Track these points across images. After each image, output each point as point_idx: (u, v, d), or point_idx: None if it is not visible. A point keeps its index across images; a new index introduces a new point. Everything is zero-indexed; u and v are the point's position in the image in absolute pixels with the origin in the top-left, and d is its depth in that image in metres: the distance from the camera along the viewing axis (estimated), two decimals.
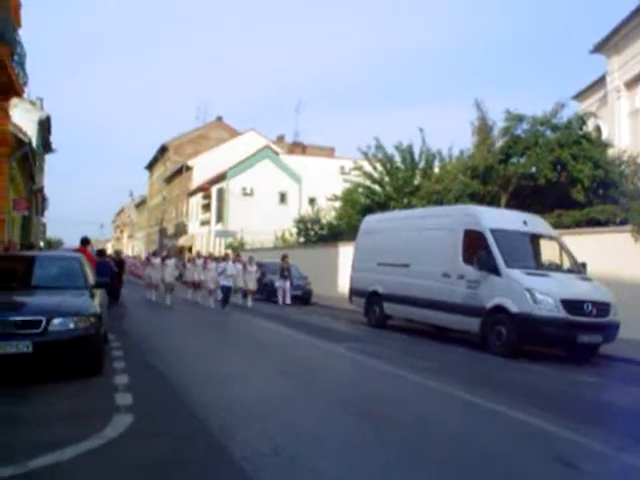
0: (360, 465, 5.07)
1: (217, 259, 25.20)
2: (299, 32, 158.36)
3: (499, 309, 12.26)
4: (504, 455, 5.64)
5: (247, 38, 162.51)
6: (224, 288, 21.25)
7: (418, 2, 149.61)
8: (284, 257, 24.66)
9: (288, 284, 24.02)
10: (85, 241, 14.82)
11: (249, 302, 22.81)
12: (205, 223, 55.79)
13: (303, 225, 36.51)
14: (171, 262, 23.80)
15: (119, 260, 22.97)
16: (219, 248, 46.59)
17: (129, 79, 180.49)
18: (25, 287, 9.02)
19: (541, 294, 11.66)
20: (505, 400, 7.73)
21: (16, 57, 15.97)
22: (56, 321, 7.53)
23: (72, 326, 7.62)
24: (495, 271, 12.53)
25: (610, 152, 20.51)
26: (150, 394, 7.31)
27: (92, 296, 8.94)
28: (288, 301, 23.76)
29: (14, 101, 25.61)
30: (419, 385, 8.74)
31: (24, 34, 19.90)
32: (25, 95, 35.95)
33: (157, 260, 23.77)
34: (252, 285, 23.44)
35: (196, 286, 24.33)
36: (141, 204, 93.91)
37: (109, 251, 34.43)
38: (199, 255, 27.87)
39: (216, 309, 21.07)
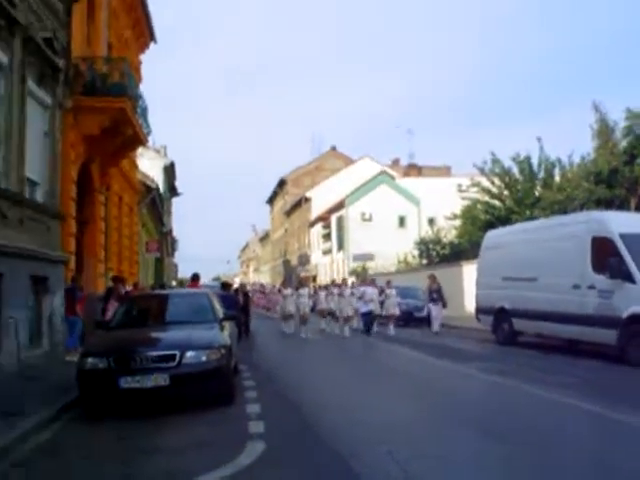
0: None
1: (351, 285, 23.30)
2: (406, 54, 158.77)
3: (637, 318, 11.60)
4: None
5: (354, 64, 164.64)
6: (364, 314, 19.85)
7: (529, 5, 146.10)
8: (432, 277, 21.29)
9: (440, 307, 20.45)
10: (195, 277, 15.56)
11: (391, 329, 20.47)
12: (327, 252, 56.48)
13: (424, 246, 36.27)
14: (304, 291, 22.26)
15: (244, 293, 22.47)
16: (342, 275, 47.00)
17: (245, 118, 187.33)
18: (159, 323, 9.57)
19: None
20: None
21: (139, 110, 17.10)
22: (189, 354, 7.89)
23: (204, 358, 7.95)
24: (629, 278, 11.89)
25: None
26: (281, 422, 7.45)
27: (222, 329, 9.30)
28: (437, 328, 20.23)
29: (139, 151, 27.36)
30: (557, 404, 8.32)
31: (145, 88, 21.25)
32: (150, 144, 38.40)
33: (288, 291, 22.37)
34: (393, 309, 21.11)
35: (331, 315, 22.16)
36: (264, 238, 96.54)
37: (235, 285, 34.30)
38: (333, 282, 25.36)
39: (355, 338, 19.28)
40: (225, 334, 9.14)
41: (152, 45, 26.55)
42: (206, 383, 7.97)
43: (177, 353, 7.82)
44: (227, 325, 9.92)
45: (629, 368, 11.40)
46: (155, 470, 5.51)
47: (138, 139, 17.86)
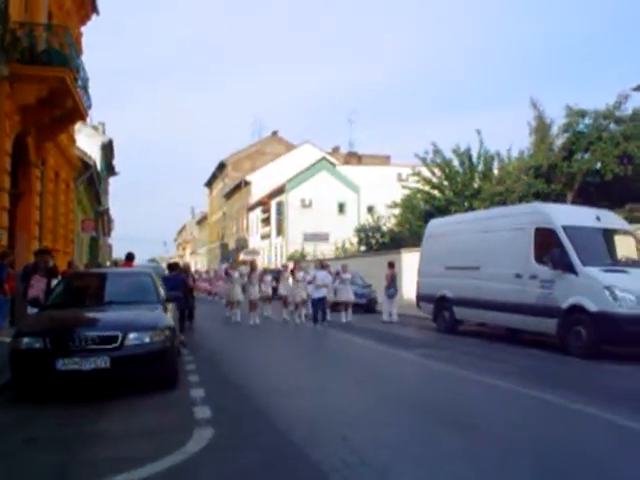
0: (456, 475, 4.87)
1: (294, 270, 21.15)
2: (347, 42, 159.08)
3: (577, 309, 11.80)
4: (607, 461, 5.36)
5: (296, 52, 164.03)
6: (315, 300, 18.18)
7: (469, 4, 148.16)
8: (391, 265, 20.05)
9: (396, 297, 19.77)
10: (130, 257, 15.04)
11: (348, 316, 19.46)
12: (265, 237, 56.22)
13: (364, 234, 36.40)
14: (256, 275, 20.23)
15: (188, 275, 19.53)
16: (280, 260, 46.81)
17: (185, 100, 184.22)
18: (100, 303, 9.12)
19: (621, 291, 11.18)
20: (595, 402, 7.42)
21: (79, 82, 16.39)
22: (132, 336, 7.56)
23: (148, 340, 7.64)
24: (570, 269, 12.08)
25: None
26: (228, 407, 7.22)
27: (165, 310, 8.99)
28: (395, 318, 19.19)
29: (78, 127, 26.42)
30: (501, 390, 8.44)
31: (85, 60, 20.44)
32: (88, 120, 37.23)
33: (236, 274, 20.25)
34: (347, 296, 20.03)
35: (283, 302, 20.62)
36: (202, 220, 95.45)
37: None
38: (285, 267, 23.47)
39: (305, 325, 18.22)
40: (169, 315, 8.83)
41: (95, 17, 25.65)
42: (149, 366, 7.68)
43: (119, 334, 7.47)
44: (170, 307, 9.62)
45: (568, 357, 11.60)
46: (98, 458, 5.20)
47: (78, 112, 17.12)
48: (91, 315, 8.54)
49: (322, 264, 19.26)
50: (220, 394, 7.94)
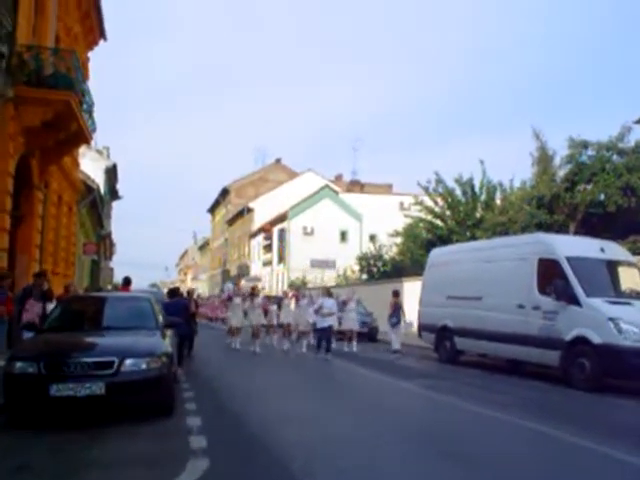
0: None
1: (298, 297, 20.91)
2: (352, 71, 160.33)
3: (580, 340, 11.68)
4: None
5: (300, 81, 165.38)
6: (321, 330, 16.84)
7: (473, 32, 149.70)
8: (396, 294, 18.98)
9: (402, 327, 18.73)
10: (127, 281, 14.91)
11: (354, 346, 18.98)
12: (267, 264, 56.12)
13: (365, 262, 36.33)
14: (258, 301, 19.44)
15: (191, 301, 18.37)
16: (281, 287, 46.65)
17: (188, 126, 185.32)
18: (97, 328, 8.99)
19: (626, 324, 11.07)
20: (596, 437, 7.28)
21: (85, 106, 16.44)
22: (128, 362, 7.42)
23: (144, 367, 7.50)
24: (574, 301, 11.97)
25: None
26: (225, 437, 7.07)
27: (163, 336, 8.86)
28: (397, 346, 18.15)
29: (82, 150, 26.48)
30: (500, 422, 8.29)
31: (91, 84, 20.58)
32: (92, 144, 37.37)
33: (238, 300, 19.41)
34: (352, 324, 19.47)
35: (285, 330, 20.02)
36: (204, 246, 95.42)
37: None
38: (285, 293, 22.73)
39: (310, 356, 17.17)
40: (167, 341, 8.70)
41: (102, 43, 25.85)
42: (146, 393, 7.50)
43: (115, 360, 7.33)
44: (169, 333, 9.49)
45: (571, 390, 11.45)
46: None
47: (82, 136, 17.13)
48: (87, 340, 8.40)
49: (329, 292, 18.27)
50: (217, 423, 7.80)
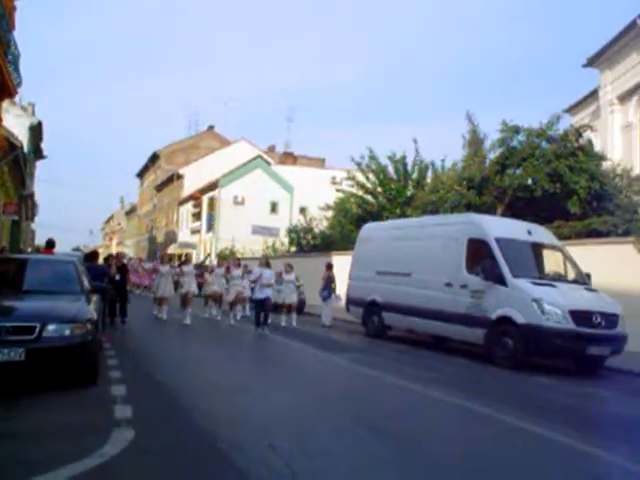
0: None
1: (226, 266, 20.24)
2: (292, 43, 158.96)
3: (505, 320, 11.94)
4: (526, 470, 5.39)
5: (239, 48, 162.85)
6: (258, 301, 15.96)
7: (412, 15, 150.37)
8: (330, 267, 19.54)
9: (332, 300, 19.29)
10: (50, 244, 14.35)
11: (293, 320, 18.44)
12: (195, 232, 55.33)
13: (295, 234, 36.19)
14: (188, 269, 18.68)
15: (121, 266, 17.18)
16: (210, 256, 46.12)
17: (121, 86, 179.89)
18: (18, 292, 8.58)
19: (549, 305, 11.36)
20: (516, 412, 7.50)
21: (10, 57, 15.62)
22: (51, 327, 7.11)
23: (68, 333, 7.20)
24: (501, 281, 12.21)
25: (604, 165, 20.44)
26: (152, 407, 6.90)
27: (89, 301, 8.55)
28: (327, 322, 18.81)
29: (5, 106, 25.23)
30: (425, 397, 8.43)
31: (19, 37, 19.58)
32: (17, 100, 35.71)
33: (166, 267, 18.64)
34: (293, 298, 18.85)
35: (217, 300, 19.54)
36: (131, 212, 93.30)
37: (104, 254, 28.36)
38: (218, 262, 22.42)
39: (245, 328, 16.68)
40: (92, 307, 8.38)
41: None
42: (68, 360, 7.23)
43: (37, 325, 7.00)
44: (94, 298, 9.17)
45: (494, 368, 11.72)
46: (7, 459, 4.80)
47: (6, 88, 16.33)
48: (7, 304, 7.94)
49: (267, 262, 17.04)
50: (142, 392, 7.61)
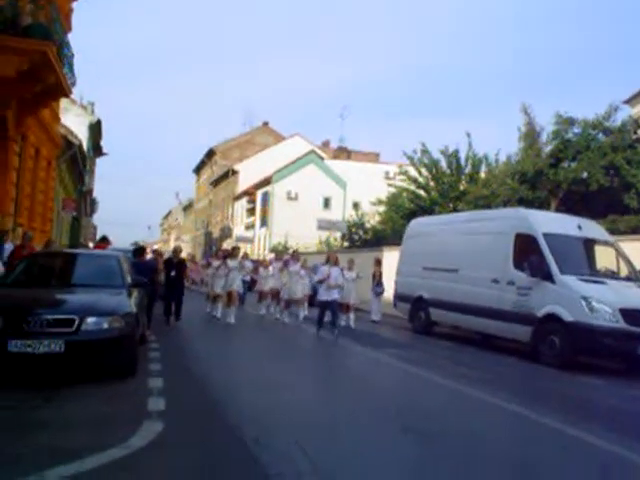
0: None
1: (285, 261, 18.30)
2: (346, 40, 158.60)
3: (552, 317, 11.66)
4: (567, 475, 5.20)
5: (294, 45, 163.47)
6: (325, 303, 14.21)
7: (468, 9, 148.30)
8: (378, 262, 19.13)
9: (381, 296, 18.64)
10: (104, 240, 14.57)
11: (351, 321, 16.75)
12: (250, 227, 55.84)
13: (347, 229, 36.12)
14: (234, 263, 16.89)
15: (178, 262, 15.72)
16: (263, 252, 46.50)
17: (179, 84, 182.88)
18: (62, 284, 8.83)
19: (598, 303, 11.03)
20: (561, 416, 7.23)
21: (65, 58, 15.98)
22: (90, 320, 7.25)
23: (106, 326, 7.34)
24: (548, 277, 11.92)
25: None
26: (184, 400, 6.98)
27: (129, 295, 8.70)
28: (377, 317, 18.48)
29: (66, 105, 25.93)
30: (465, 396, 8.27)
31: (78, 38, 20.04)
32: (77, 100, 36.62)
33: (216, 262, 17.49)
34: (353, 297, 17.03)
35: (272, 297, 18.29)
36: (188, 207, 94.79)
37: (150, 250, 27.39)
38: (277, 256, 20.45)
39: (304, 330, 15.56)
40: (133, 301, 8.53)
41: None
42: (106, 353, 7.36)
43: (76, 318, 7.15)
44: (135, 292, 9.34)
45: (540, 366, 11.46)
46: (36, 446, 4.91)
47: (61, 88, 16.66)
48: (50, 296, 8.19)
49: (336, 260, 15.26)
50: (179, 386, 7.70)
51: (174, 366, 9.07)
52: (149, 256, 17.63)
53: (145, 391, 7.06)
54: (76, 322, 7.15)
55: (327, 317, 14.12)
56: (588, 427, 6.73)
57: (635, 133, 20.04)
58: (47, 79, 15.52)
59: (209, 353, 11.20)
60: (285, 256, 20.03)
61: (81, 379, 7.36)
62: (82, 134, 33.98)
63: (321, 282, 14.49)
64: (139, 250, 14.34)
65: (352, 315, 16.89)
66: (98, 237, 55.59)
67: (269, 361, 10.80)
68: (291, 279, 17.29)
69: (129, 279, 9.39)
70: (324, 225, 37.97)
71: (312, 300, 18.24)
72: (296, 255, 18.39)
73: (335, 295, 14.31)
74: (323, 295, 14.28)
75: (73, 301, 7.92)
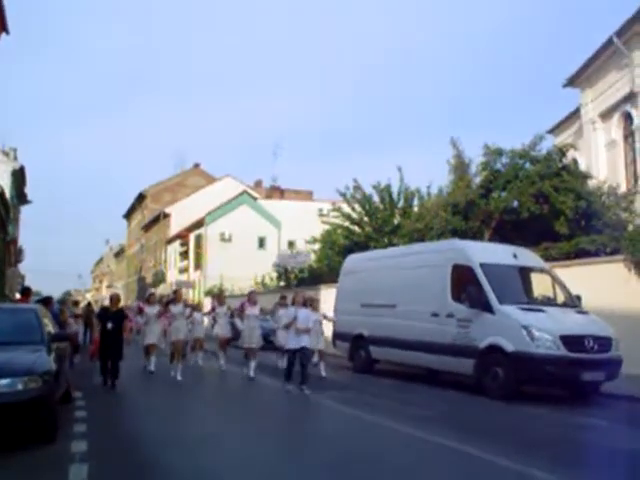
0: None
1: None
2: (273, 78, 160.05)
3: (494, 349, 11.47)
4: None
5: (219, 85, 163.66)
6: (294, 351, 12.27)
7: (395, 43, 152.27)
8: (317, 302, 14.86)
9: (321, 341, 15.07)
10: (26, 291, 13.84)
11: (322, 370, 14.64)
12: (184, 271, 54.77)
13: (283, 269, 35.75)
14: (178, 309, 15.06)
15: (115, 312, 13.31)
16: (198, 297, 45.56)
17: (105, 128, 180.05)
18: None
19: (538, 331, 10.92)
20: (508, 451, 6.97)
21: None
22: (2, 382, 6.62)
23: (21, 387, 6.69)
24: (487, 308, 11.77)
25: (590, 183, 20.21)
26: (110, 465, 6.37)
27: (50, 351, 8.04)
28: (315, 359, 15.08)
29: None
30: (409, 437, 7.89)
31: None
32: None
33: (154, 309, 15.60)
34: (320, 342, 14.84)
35: (222, 345, 16.52)
36: (120, 253, 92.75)
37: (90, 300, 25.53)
38: (219, 299, 18.81)
39: (264, 383, 13.76)
40: (52, 358, 7.87)
41: (6, 37, 24.38)
42: (22, 417, 6.70)
43: None
44: (62, 345, 8.69)
45: (486, 399, 11.22)
46: None
47: None
48: None
49: (305, 300, 13.42)
50: (104, 449, 7.05)
51: (101, 426, 8.42)
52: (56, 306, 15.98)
53: (66, 457, 6.43)
54: None
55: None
56: (534, 462, 6.47)
57: (561, 161, 20.46)
58: None
59: (141, 410, 10.51)
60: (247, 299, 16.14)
61: None
62: (4, 181, 32.81)
63: (287, 327, 12.67)
64: (44, 300, 13.43)
65: (322, 364, 14.81)
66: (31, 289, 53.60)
67: (204, 411, 10.25)
68: (249, 324, 14.99)
69: (50, 333, 8.73)
70: (285, 259, 35.53)
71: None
72: (253, 297, 15.80)
73: (305, 341, 12.42)
74: (292, 342, 12.34)
75: None
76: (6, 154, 39.64)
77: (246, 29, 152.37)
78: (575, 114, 27.65)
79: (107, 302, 15.04)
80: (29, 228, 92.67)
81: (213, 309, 17.65)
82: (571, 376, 10.92)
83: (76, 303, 24.55)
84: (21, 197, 44.50)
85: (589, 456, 7.35)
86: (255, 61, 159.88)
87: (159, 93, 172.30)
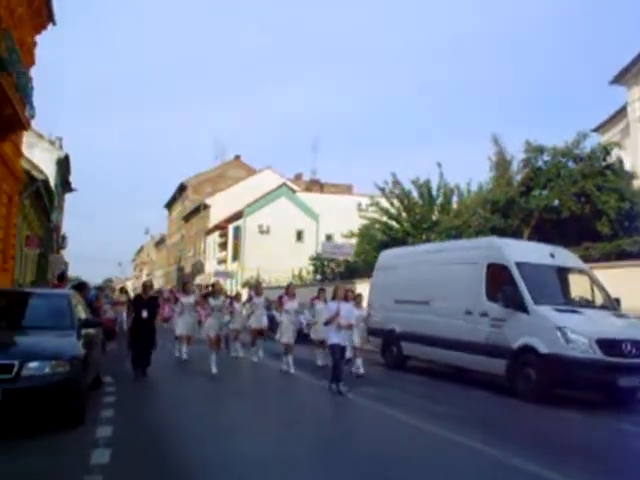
0: None
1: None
2: (316, 70, 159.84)
3: (527, 349, 11.23)
4: None
5: (263, 77, 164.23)
6: (337, 348, 11.29)
7: (440, 40, 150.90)
8: (360, 296, 14.84)
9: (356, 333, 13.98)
10: (61, 277, 13.97)
11: (360, 367, 13.85)
12: (222, 262, 55.19)
13: (319, 262, 35.75)
14: (217, 302, 14.01)
15: (148, 300, 12.88)
16: (235, 287, 45.82)
17: (149, 119, 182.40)
18: (5, 327, 8.18)
19: (574, 333, 10.64)
20: (538, 456, 6.76)
21: (23, 90, 15.53)
22: (31, 365, 6.71)
23: (48, 371, 6.78)
24: (522, 308, 11.54)
25: (635, 184, 19.65)
26: (133, 451, 6.39)
27: (80, 337, 8.13)
28: (349, 354, 13.54)
29: (32, 140, 25.27)
30: (436, 438, 7.71)
31: (43, 72, 19.66)
32: (45, 135, 36.00)
33: (190, 299, 15.77)
34: (358, 339, 14.15)
35: (255, 336, 16.18)
36: (160, 242, 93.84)
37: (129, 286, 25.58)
38: (256, 289, 17.59)
39: (308, 382, 13.06)
40: (80, 343, 7.95)
41: (53, 28, 24.69)
42: (49, 400, 6.77)
43: (15, 363, 6.60)
44: (93, 331, 8.78)
45: (515, 401, 11.00)
46: None
47: (18, 121, 16.18)
48: None
49: (346, 293, 12.67)
50: (129, 434, 7.10)
51: (129, 412, 8.49)
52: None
53: (91, 441, 6.49)
54: (15, 368, 6.59)
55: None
56: (566, 469, 6.29)
57: (604, 160, 19.97)
58: (3, 111, 15.05)
59: (169, 397, 10.57)
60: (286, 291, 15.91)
61: (21, 429, 6.75)
62: (49, 170, 33.31)
63: (327, 323, 11.54)
64: (79, 286, 13.58)
65: (359, 361, 14.01)
66: (73, 273, 54.47)
67: (230, 403, 10.24)
68: (288, 318, 14.62)
69: (80, 319, 8.82)
70: (329, 250, 35.12)
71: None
72: (292, 290, 15.33)
73: (345, 338, 11.77)
74: (334, 337, 11.34)
75: (14, 345, 7.35)
76: (52, 143, 40.25)
77: (290, 22, 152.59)
78: (621, 112, 26.98)
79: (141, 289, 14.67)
80: (72, 215, 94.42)
81: (250, 299, 17.76)
82: (607, 381, 10.60)
83: (123, 290, 24.52)
84: (65, 185, 45.24)
85: (626, 465, 7.13)
86: (298, 55, 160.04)
87: (202, 85, 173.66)
